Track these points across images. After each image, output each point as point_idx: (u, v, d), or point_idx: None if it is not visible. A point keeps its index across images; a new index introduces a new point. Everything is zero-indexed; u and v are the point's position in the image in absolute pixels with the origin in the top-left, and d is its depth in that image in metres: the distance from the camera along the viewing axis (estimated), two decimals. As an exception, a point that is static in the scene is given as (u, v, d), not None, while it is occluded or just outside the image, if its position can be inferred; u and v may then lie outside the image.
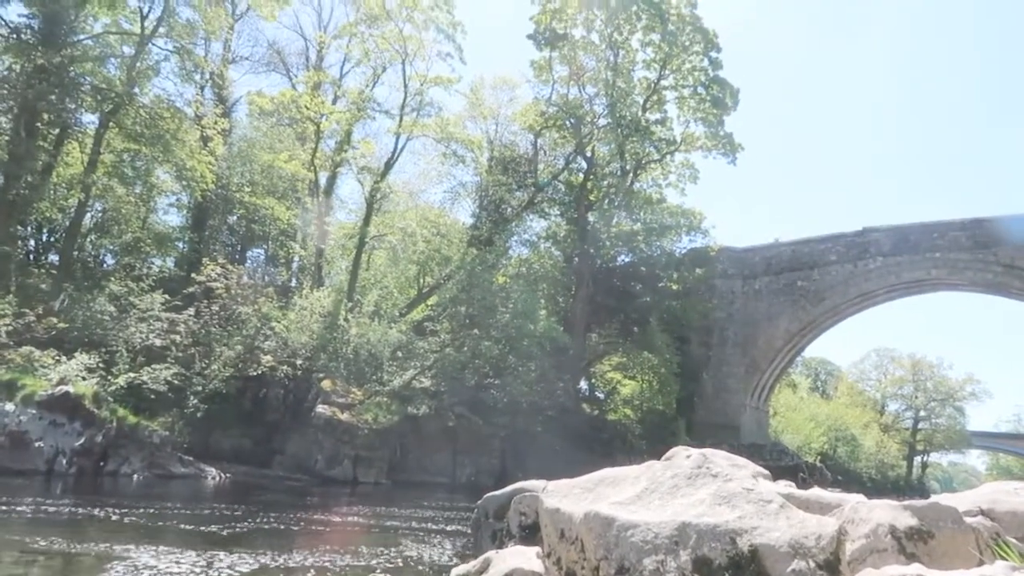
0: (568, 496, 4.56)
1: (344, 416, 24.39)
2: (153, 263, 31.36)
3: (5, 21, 23.64)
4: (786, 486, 4.82)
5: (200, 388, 21.96)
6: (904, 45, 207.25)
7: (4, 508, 11.02)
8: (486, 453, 27.08)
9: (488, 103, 37.39)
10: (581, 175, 37.64)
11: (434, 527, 13.14)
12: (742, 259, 39.21)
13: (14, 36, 23.39)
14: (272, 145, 33.68)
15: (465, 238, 34.83)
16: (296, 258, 36.86)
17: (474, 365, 27.87)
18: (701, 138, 37.26)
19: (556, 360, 30.19)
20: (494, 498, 7.03)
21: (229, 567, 7.92)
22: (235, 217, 34.85)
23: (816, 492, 4.79)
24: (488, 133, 37.75)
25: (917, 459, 72.28)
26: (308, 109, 30.70)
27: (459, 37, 31.39)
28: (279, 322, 25.41)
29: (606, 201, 37.42)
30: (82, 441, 16.92)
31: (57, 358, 18.46)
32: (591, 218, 36.55)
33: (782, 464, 29.58)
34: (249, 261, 37.82)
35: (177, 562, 7.92)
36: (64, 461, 16.52)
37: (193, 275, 26.07)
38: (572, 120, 35.88)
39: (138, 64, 25.90)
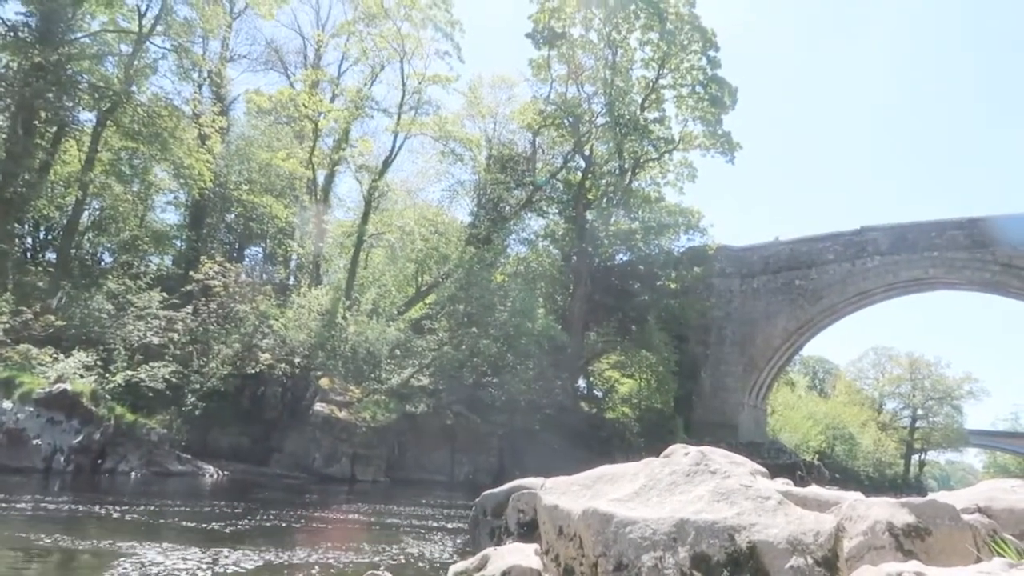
0: (566, 493, 4.56)
1: (342, 414, 24.37)
2: (151, 261, 31.30)
3: (2, 19, 23.61)
4: (784, 484, 4.83)
5: (198, 386, 21.95)
6: (903, 45, 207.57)
7: (3, 506, 11.03)
8: (484, 451, 27.09)
9: (486, 102, 37.39)
10: (579, 174, 37.64)
11: (434, 524, 13.18)
12: (740, 258, 39.24)
13: (11, 34, 23.35)
14: (270, 143, 33.67)
15: (463, 236, 34.82)
16: (294, 256, 36.86)
17: (472, 363, 27.89)
18: (699, 137, 37.29)
19: (554, 358, 30.20)
20: (492, 496, 7.04)
21: (235, 564, 7.97)
22: (233, 215, 34.82)
23: (814, 490, 4.80)
24: (486, 132, 37.75)
25: (915, 457, 72.38)
26: (306, 107, 30.68)
27: (457, 36, 31.40)
28: (277, 320, 25.40)
29: (604, 200, 37.42)
30: (80, 439, 16.91)
31: (55, 356, 18.45)
32: (589, 217, 36.54)
33: (780, 462, 29.64)
34: (247, 259, 37.81)
35: (183, 559, 7.97)
36: (62, 459, 16.51)
37: (191, 273, 26.04)
38: (570, 119, 35.87)
39: (136, 62, 25.87)
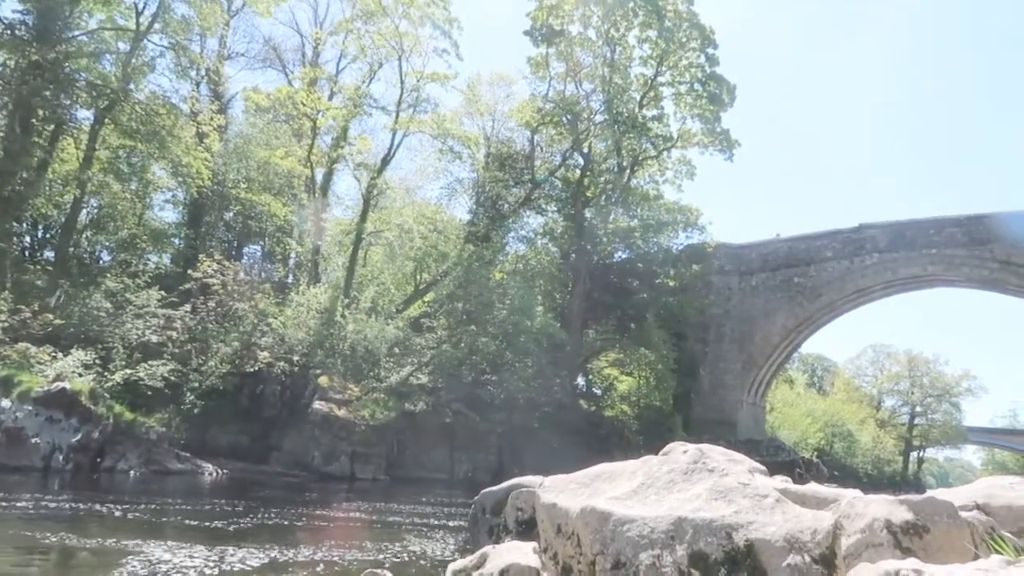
0: (565, 491, 4.57)
1: (341, 412, 24.40)
2: (149, 259, 31.33)
3: (0, 17, 23.59)
4: (782, 481, 4.83)
5: (197, 384, 21.94)
6: (902, 42, 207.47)
7: (3, 504, 11.04)
8: (483, 449, 27.11)
9: (485, 99, 37.35)
10: (578, 171, 37.64)
11: (435, 522, 13.23)
12: (739, 255, 39.24)
13: (8, 32, 23.32)
14: (268, 141, 33.63)
15: (462, 234, 34.81)
16: (293, 254, 36.84)
17: (471, 361, 27.89)
18: (698, 134, 37.30)
19: (553, 356, 30.21)
20: (491, 494, 7.05)
21: (241, 561, 8.04)
22: (231, 213, 34.79)
23: (812, 487, 4.81)
24: (485, 129, 37.72)
25: (913, 454, 72.40)
26: (304, 105, 30.64)
27: (455, 33, 31.34)
28: (276, 318, 25.39)
29: (603, 197, 37.40)
30: (79, 437, 16.91)
31: (53, 354, 18.43)
32: (588, 214, 36.55)
33: (779, 459, 29.71)
34: (245, 257, 37.85)
35: (191, 556, 8.03)
36: (60, 457, 16.52)
37: (189, 271, 26.03)
38: (569, 116, 35.86)
39: (133, 60, 25.83)
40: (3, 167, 22.52)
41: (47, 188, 26.53)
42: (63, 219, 27.49)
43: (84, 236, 29.53)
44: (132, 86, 25.90)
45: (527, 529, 5.77)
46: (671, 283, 37.61)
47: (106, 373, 19.34)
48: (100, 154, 26.39)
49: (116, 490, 14.95)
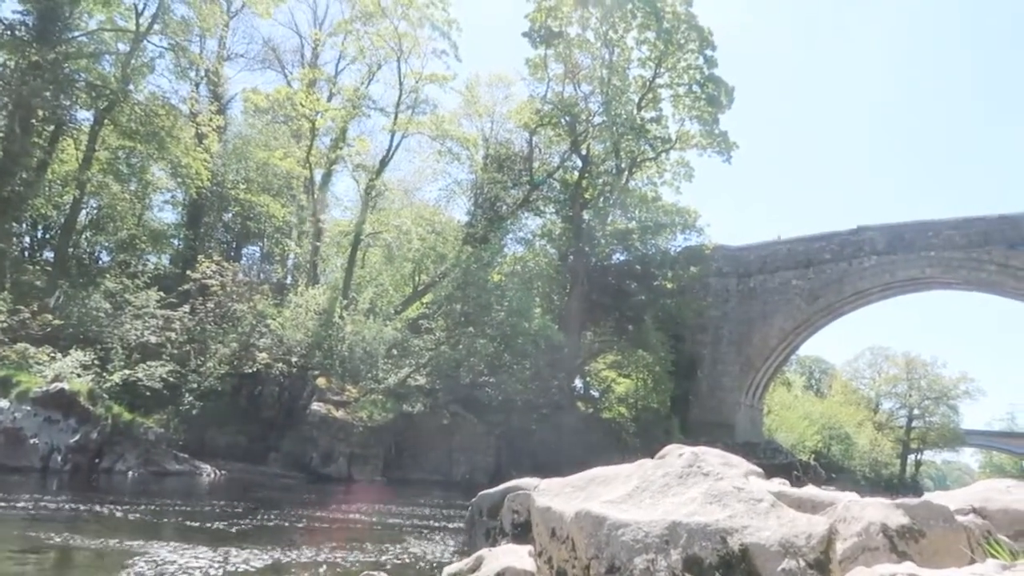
0: (559, 495, 4.58)
1: (339, 414, 24.39)
2: (148, 260, 31.29)
3: (0, 17, 23.60)
4: (780, 484, 4.85)
5: (195, 385, 21.94)
6: (900, 43, 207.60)
7: (2, 505, 11.05)
8: (481, 451, 27.09)
9: (483, 101, 37.39)
10: (576, 173, 37.64)
11: (435, 524, 13.26)
12: (737, 257, 39.27)
13: (8, 32, 23.33)
14: (267, 142, 33.62)
15: (460, 236, 34.82)
16: (291, 255, 36.83)
17: (469, 363, 27.88)
18: (696, 136, 37.36)
19: (551, 358, 30.20)
20: (488, 496, 7.07)
21: (244, 562, 8.10)
22: (230, 214, 34.80)
23: (809, 490, 4.83)
24: (483, 131, 37.75)
25: (911, 457, 72.48)
26: (303, 106, 30.66)
27: (454, 34, 31.37)
28: (274, 319, 25.38)
29: (601, 199, 37.39)
30: (77, 438, 16.93)
31: (52, 355, 18.44)
32: (586, 216, 36.56)
33: (776, 462, 29.70)
34: (244, 258, 37.84)
35: (195, 557, 8.09)
36: (59, 458, 16.53)
37: (188, 272, 26.04)
38: (567, 118, 35.89)
39: (133, 61, 25.85)
40: (3, 167, 22.54)
41: (47, 188, 26.55)
42: (62, 219, 27.50)
43: (83, 237, 29.53)
44: (132, 87, 25.91)
45: (523, 532, 5.79)
46: (669, 285, 37.58)
47: (105, 374, 19.33)
48: (99, 155, 26.40)
49: (115, 491, 14.95)
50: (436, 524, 13.32)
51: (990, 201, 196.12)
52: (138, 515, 11.34)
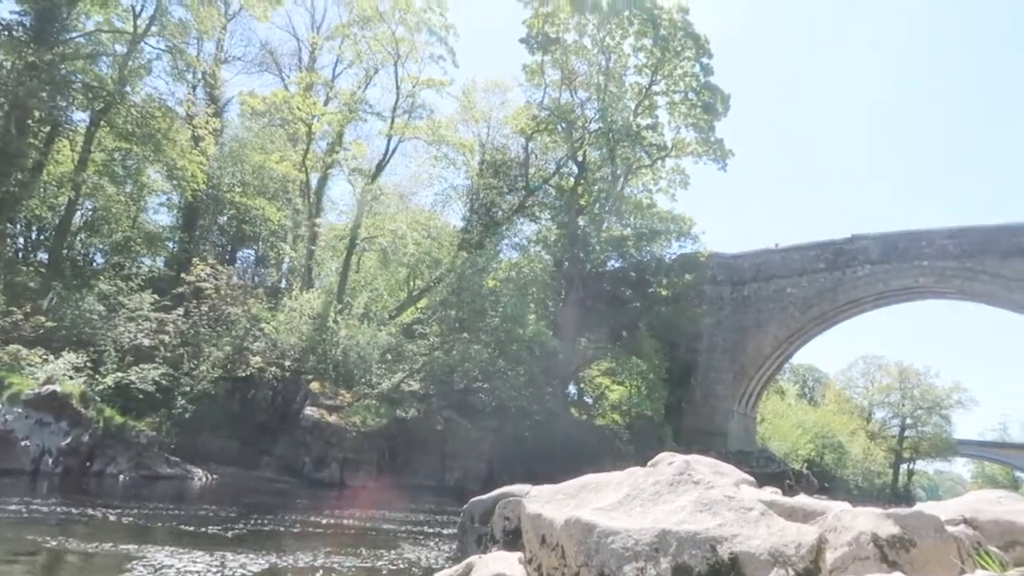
0: (550, 502, 4.57)
1: (332, 418, 24.34)
2: (143, 263, 31.26)
3: (-3, 18, 23.59)
4: (772, 493, 4.84)
5: (188, 389, 21.89)
6: (900, 44, 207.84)
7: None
8: (474, 457, 27.04)
9: (480, 106, 37.50)
10: (572, 179, 37.70)
11: (429, 530, 13.30)
12: (731, 265, 39.32)
13: (5, 33, 23.30)
14: (263, 146, 33.63)
15: (455, 241, 34.86)
16: (286, 259, 36.79)
17: (463, 369, 27.85)
18: (692, 144, 37.40)
19: (545, 364, 30.20)
20: (480, 502, 7.06)
21: (241, 567, 8.17)
22: (225, 217, 34.81)
23: (801, 499, 4.82)
24: (480, 136, 37.86)
25: (903, 467, 72.64)
26: (300, 110, 30.70)
27: (452, 40, 31.48)
28: (268, 323, 25.36)
29: (597, 206, 37.44)
30: (68, 441, 16.86)
31: (44, 357, 18.38)
32: (581, 223, 36.60)
33: (768, 471, 29.74)
34: (239, 262, 37.79)
35: (193, 562, 8.15)
36: (50, 461, 16.46)
37: (183, 275, 26.04)
38: (564, 124, 35.95)
39: (130, 63, 25.87)
40: (-2, 168, 22.51)
41: (42, 190, 26.50)
42: (57, 221, 27.45)
43: (78, 238, 29.49)
44: (128, 88, 25.93)
45: (514, 539, 5.78)
46: (664, 292, 37.62)
47: (97, 376, 19.29)
48: (95, 156, 26.39)
49: (106, 494, 14.92)
50: (429, 530, 13.33)
51: (989, 204, 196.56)
52: (131, 519, 11.33)
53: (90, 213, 29.79)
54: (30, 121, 23.78)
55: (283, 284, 34.90)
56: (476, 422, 26.96)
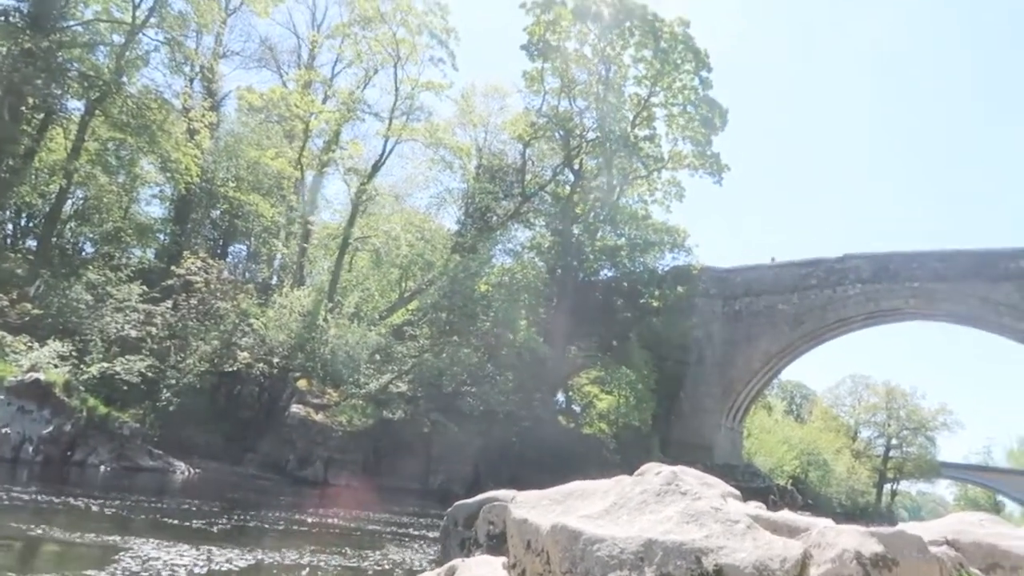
0: (537, 507, 4.54)
1: (319, 417, 24.27)
2: (133, 253, 31.16)
3: (-5, 4, 23.50)
4: (756, 507, 4.82)
5: (174, 381, 21.79)
6: (895, 58, 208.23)
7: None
8: (460, 460, 26.97)
9: (478, 110, 37.51)
10: (568, 187, 37.74)
11: (413, 532, 13.27)
12: (723, 279, 39.37)
13: (2, 18, 23.21)
14: (259, 141, 33.59)
15: (449, 244, 34.84)
16: (278, 256, 36.75)
17: (452, 372, 27.81)
18: (688, 157, 37.48)
19: (534, 371, 30.19)
20: (464, 506, 7.01)
21: (228, 562, 8.20)
22: (218, 212, 34.69)
23: (785, 514, 4.80)
24: (477, 140, 37.87)
25: (887, 487, 72.73)
26: (297, 107, 30.66)
27: (452, 43, 31.50)
28: (258, 319, 25.28)
29: (591, 215, 37.50)
30: (50, 429, 16.75)
31: (29, 344, 18.26)
32: (576, 231, 36.62)
33: (753, 486, 29.75)
34: (230, 256, 37.70)
35: (180, 555, 8.16)
36: (31, 449, 16.35)
37: (173, 268, 25.94)
38: (561, 132, 36.02)
39: (127, 53, 25.77)
40: (-10, 153, 22.41)
41: (33, 177, 26.39)
42: (47, 209, 27.33)
43: (68, 227, 29.37)
44: (125, 79, 25.84)
45: (498, 544, 5.74)
46: (655, 303, 37.66)
47: (82, 366, 19.18)
48: (89, 145, 26.27)
49: (86, 484, 14.83)
50: (413, 532, 13.30)
51: (987, 212, 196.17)
52: (113, 510, 11.27)
53: (81, 202, 29.69)
54: (24, 108, 23.69)
55: (274, 281, 34.83)
56: (463, 426, 26.90)
